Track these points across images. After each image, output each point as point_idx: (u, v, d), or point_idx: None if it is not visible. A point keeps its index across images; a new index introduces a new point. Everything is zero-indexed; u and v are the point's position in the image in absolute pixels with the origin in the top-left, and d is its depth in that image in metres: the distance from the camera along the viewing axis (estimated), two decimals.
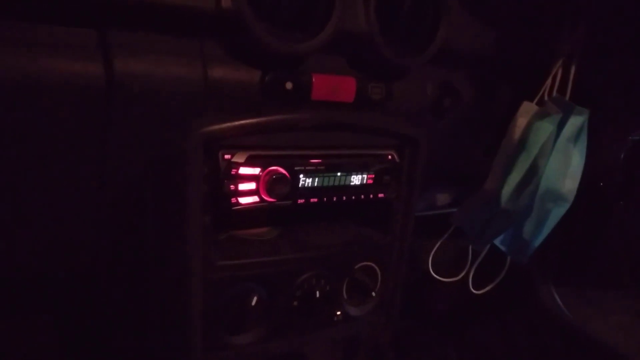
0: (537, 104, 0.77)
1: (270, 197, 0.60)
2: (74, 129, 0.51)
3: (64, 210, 0.57)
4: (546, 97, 0.78)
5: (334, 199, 0.66)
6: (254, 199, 0.60)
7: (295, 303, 0.67)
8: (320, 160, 0.64)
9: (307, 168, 0.63)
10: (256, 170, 0.59)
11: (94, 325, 0.93)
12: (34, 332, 0.91)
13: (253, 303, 0.63)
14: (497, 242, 0.89)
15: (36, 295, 0.88)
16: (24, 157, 0.51)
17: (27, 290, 0.85)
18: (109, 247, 0.64)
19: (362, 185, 0.68)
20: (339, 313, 0.72)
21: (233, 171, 0.57)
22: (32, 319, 0.91)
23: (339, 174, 0.65)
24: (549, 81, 0.78)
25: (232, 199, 0.58)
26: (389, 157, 0.70)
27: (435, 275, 0.97)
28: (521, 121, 0.75)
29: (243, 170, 0.58)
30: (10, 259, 0.59)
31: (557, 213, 0.79)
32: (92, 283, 0.81)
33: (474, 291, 0.95)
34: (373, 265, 0.73)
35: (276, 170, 0.60)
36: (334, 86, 0.62)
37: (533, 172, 0.74)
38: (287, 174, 0.61)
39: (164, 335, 0.67)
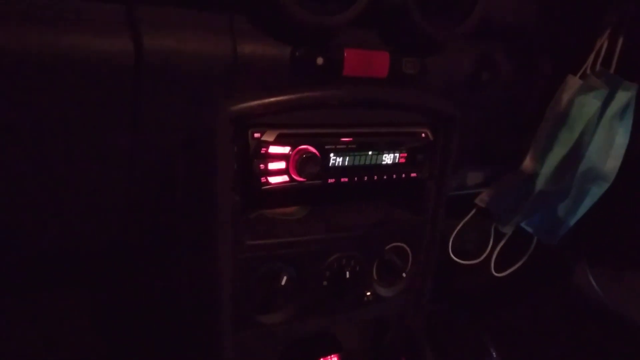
0: (581, 78, 0.73)
1: (300, 176, 0.59)
2: (103, 106, 0.50)
3: (95, 188, 0.57)
4: (589, 71, 0.74)
5: (365, 178, 0.65)
6: (283, 178, 0.59)
7: (324, 283, 0.66)
8: (351, 139, 0.62)
9: (338, 147, 0.61)
10: (286, 149, 0.58)
11: (124, 302, 0.95)
12: (67, 307, 0.94)
13: (282, 282, 0.63)
14: (523, 223, 0.86)
15: (69, 273, 0.90)
16: (54, 135, 0.51)
17: (60, 267, 0.87)
18: (140, 226, 0.64)
19: (394, 165, 0.66)
20: (368, 294, 0.71)
21: (263, 150, 0.56)
22: (65, 295, 0.93)
23: (370, 152, 0.64)
24: (593, 54, 0.73)
25: (262, 178, 0.57)
26: (423, 135, 0.67)
27: (454, 258, 0.95)
28: (564, 96, 0.71)
29: (273, 149, 0.57)
30: (43, 236, 0.60)
31: (596, 193, 0.76)
32: (123, 261, 0.83)
33: (496, 274, 0.93)
34: (404, 246, 0.72)
35: (306, 149, 0.59)
36: (367, 61, 0.59)
37: (576, 151, 0.70)
38: (317, 153, 0.59)
39: (194, 314, 0.68)
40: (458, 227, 0.93)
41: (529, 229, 0.86)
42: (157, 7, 0.49)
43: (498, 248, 0.91)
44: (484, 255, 0.93)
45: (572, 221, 0.80)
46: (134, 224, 0.63)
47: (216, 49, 0.51)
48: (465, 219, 0.92)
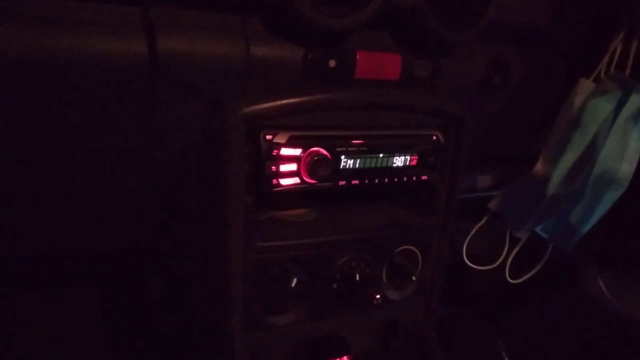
0: (594, 81, 0.72)
1: (312, 178, 0.59)
2: (117, 107, 0.51)
3: (108, 189, 0.58)
4: (603, 74, 0.73)
5: (376, 180, 0.64)
6: (294, 180, 0.59)
7: (334, 285, 0.66)
8: (362, 141, 0.62)
9: (349, 149, 0.61)
10: (297, 151, 0.58)
11: (136, 302, 0.96)
12: (78, 306, 0.94)
13: (292, 284, 0.63)
14: (538, 229, 0.86)
15: (80, 273, 0.91)
16: (69, 136, 0.51)
17: (72, 267, 0.88)
18: (152, 226, 0.64)
19: (405, 167, 0.66)
20: (378, 296, 0.70)
21: (274, 152, 0.56)
22: (76, 294, 0.94)
23: (381, 155, 0.63)
24: (607, 57, 0.73)
25: (273, 180, 0.57)
26: (434, 137, 0.67)
27: (469, 263, 0.94)
28: (577, 99, 0.71)
29: (284, 151, 0.57)
30: (55, 235, 0.61)
31: (610, 198, 0.75)
32: (135, 261, 0.83)
33: (511, 280, 0.92)
34: (414, 249, 0.72)
35: (317, 151, 0.59)
36: (379, 63, 0.59)
37: (589, 155, 0.70)
38: (328, 155, 0.59)
39: (205, 314, 0.68)
40: (472, 232, 0.92)
41: (544, 235, 0.85)
42: (172, 9, 0.49)
43: (513, 253, 0.91)
44: (499, 260, 0.92)
45: (588, 226, 0.79)
46: (146, 224, 0.63)
47: (229, 51, 0.51)
48: (480, 224, 0.91)
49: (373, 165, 0.63)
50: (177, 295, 0.76)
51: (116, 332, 0.96)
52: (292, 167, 0.58)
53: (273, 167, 0.57)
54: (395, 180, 0.66)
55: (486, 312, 1.24)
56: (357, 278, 0.66)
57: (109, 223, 0.61)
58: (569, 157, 0.72)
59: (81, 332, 0.93)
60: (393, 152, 0.64)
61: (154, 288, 0.90)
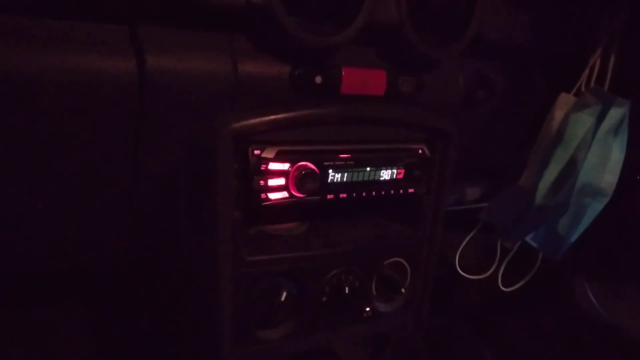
0: (574, 95, 0.74)
1: (300, 192, 0.60)
2: (106, 125, 0.51)
3: (97, 205, 0.58)
4: (583, 89, 0.75)
5: (364, 194, 0.65)
6: (283, 194, 0.59)
7: (324, 299, 0.67)
8: (349, 155, 0.63)
9: (337, 163, 0.62)
10: (285, 166, 0.58)
11: (124, 317, 0.95)
12: (66, 324, 0.93)
13: (282, 298, 0.63)
14: (528, 238, 0.87)
15: (68, 288, 0.90)
16: (58, 154, 0.51)
17: (59, 283, 0.87)
18: (141, 242, 0.64)
19: (391, 180, 0.67)
20: (367, 309, 0.71)
21: (262, 167, 0.57)
22: (64, 312, 0.93)
23: (368, 169, 0.64)
24: (586, 71, 0.75)
25: (262, 194, 0.58)
26: (420, 151, 0.68)
27: (462, 273, 0.95)
28: (558, 113, 0.73)
29: (272, 166, 0.58)
30: (43, 252, 0.61)
31: (595, 208, 0.77)
32: (123, 276, 0.83)
33: (504, 289, 0.93)
34: (402, 261, 0.72)
35: (305, 165, 0.59)
36: (364, 79, 0.61)
37: (571, 167, 0.71)
38: (316, 169, 0.60)
39: (194, 329, 0.68)
40: (464, 242, 0.94)
41: (534, 244, 0.87)
42: (160, 28, 0.50)
43: (505, 263, 0.92)
44: (491, 270, 0.93)
45: (575, 236, 0.80)
46: (136, 240, 0.64)
47: (217, 68, 0.53)
48: (471, 234, 0.92)
49: (360, 178, 0.64)
50: (167, 309, 0.76)
51: (105, 347, 0.95)
52: (281, 181, 0.59)
53: (261, 182, 0.58)
54: (383, 193, 0.67)
55: (477, 322, 1.24)
56: (347, 291, 0.67)
57: (99, 238, 0.61)
58: (553, 169, 0.74)
59: (69, 348, 0.92)
60: (380, 166, 0.65)
61: (143, 302, 0.89)
